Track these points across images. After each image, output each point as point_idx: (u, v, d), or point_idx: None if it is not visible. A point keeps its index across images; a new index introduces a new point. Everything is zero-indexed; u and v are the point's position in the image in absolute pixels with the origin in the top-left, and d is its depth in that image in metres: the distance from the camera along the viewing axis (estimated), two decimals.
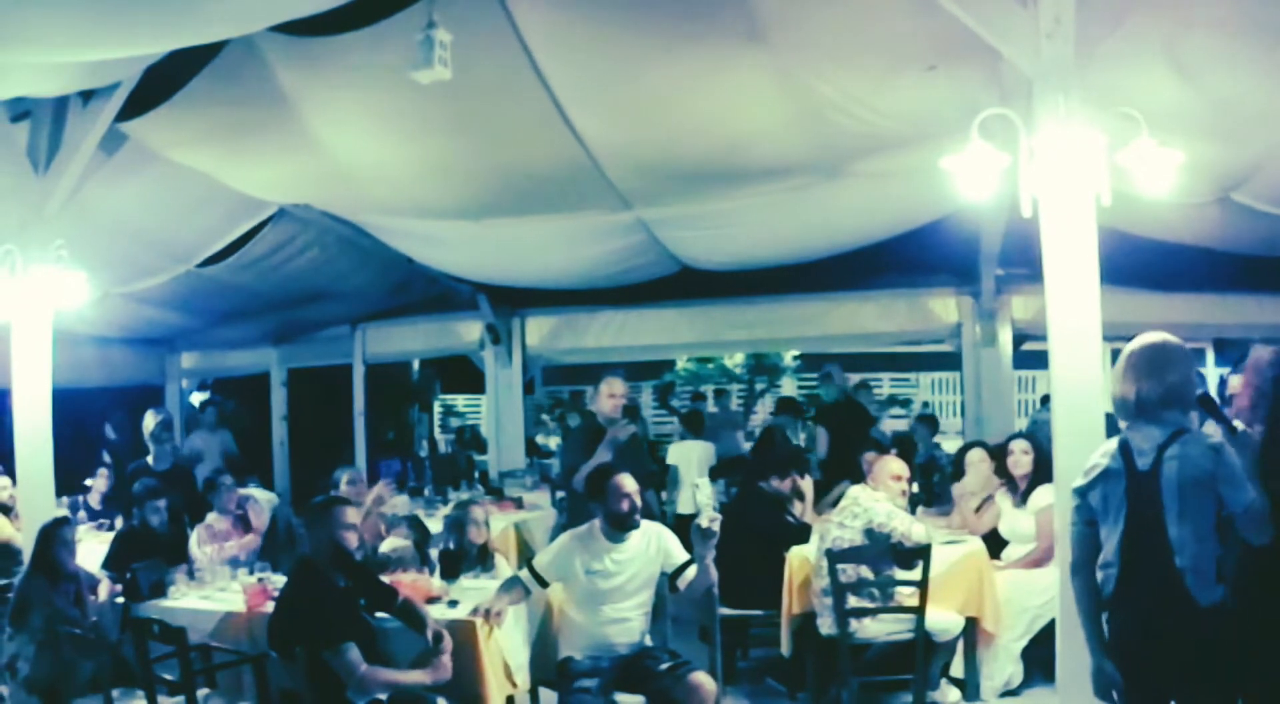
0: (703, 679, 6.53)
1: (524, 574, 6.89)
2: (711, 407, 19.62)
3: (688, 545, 6.87)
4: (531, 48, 6.96)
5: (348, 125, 8.14)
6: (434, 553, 8.11)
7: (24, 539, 7.97)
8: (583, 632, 6.79)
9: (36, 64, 6.22)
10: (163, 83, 7.49)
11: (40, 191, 8.03)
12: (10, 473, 9.03)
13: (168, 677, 6.29)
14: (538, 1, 6.66)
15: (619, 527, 6.77)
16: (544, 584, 6.85)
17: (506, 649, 6.56)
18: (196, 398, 18.67)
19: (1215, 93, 6.72)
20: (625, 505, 6.73)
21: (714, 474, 13.12)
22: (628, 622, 6.77)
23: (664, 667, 6.62)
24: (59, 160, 8.04)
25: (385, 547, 7.97)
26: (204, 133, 8.19)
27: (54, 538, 7.15)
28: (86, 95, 7.78)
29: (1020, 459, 8.51)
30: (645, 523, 6.91)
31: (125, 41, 5.94)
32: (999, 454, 8.87)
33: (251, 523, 9.73)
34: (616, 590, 6.74)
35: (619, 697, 6.75)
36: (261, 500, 10.78)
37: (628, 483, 6.79)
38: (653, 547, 6.86)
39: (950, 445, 17.72)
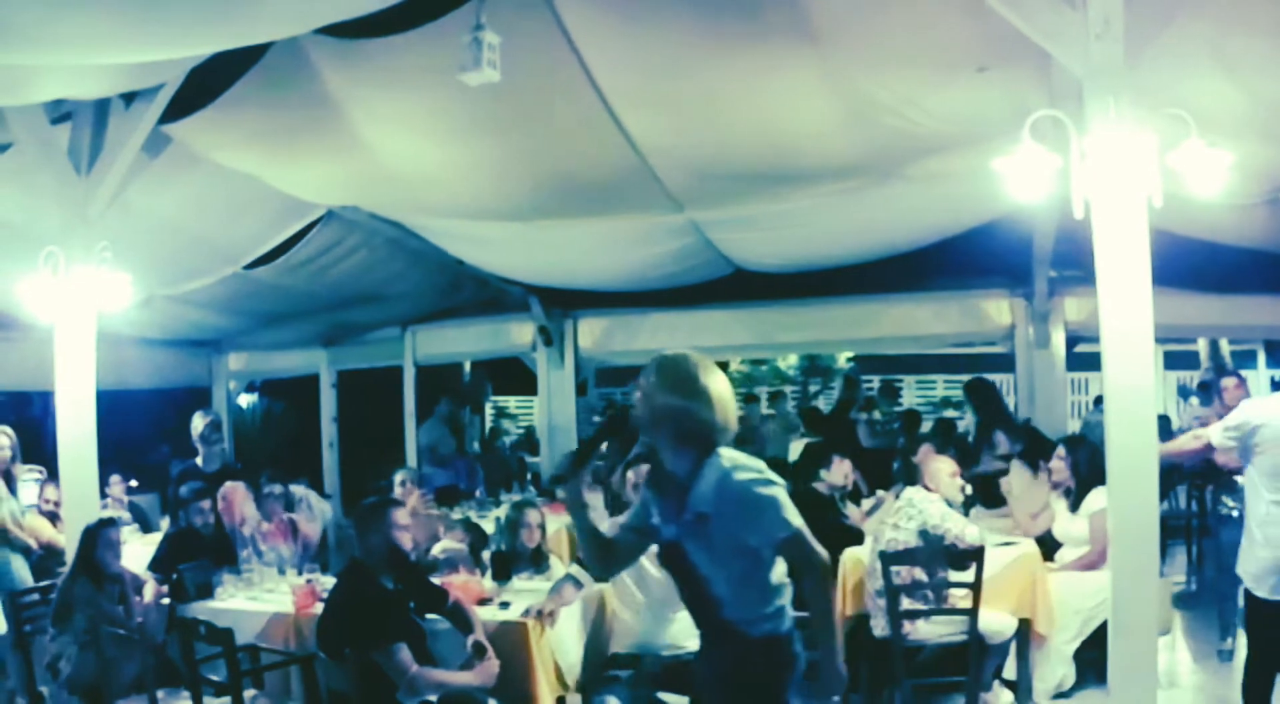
0: None
1: (574, 568, 6.92)
2: (766, 409, 19.58)
3: None
4: (580, 49, 6.97)
5: (395, 127, 8.17)
6: (486, 555, 8.15)
7: (67, 541, 8.00)
8: (631, 631, 6.84)
9: (77, 66, 6.25)
10: (207, 85, 7.50)
11: (83, 193, 8.03)
12: (53, 474, 9.06)
13: (214, 678, 6.35)
14: (586, 3, 6.67)
15: None
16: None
17: (558, 650, 6.59)
18: (244, 400, 18.76)
19: (1264, 94, 6.67)
20: None
21: None
22: (677, 622, 6.79)
23: None
24: (101, 162, 8.04)
25: (437, 548, 8.01)
26: (249, 135, 8.22)
27: (98, 539, 7.24)
28: (128, 97, 7.78)
29: (1056, 464, 8.53)
30: None
31: (168, 43, 5.94)
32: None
33: (298, 525, 9.75)
34: (666, 591, 6.74)
35: (664, 696, 6.74)
36: (312, 502, 10.81)
37: None
38: None
39: None
